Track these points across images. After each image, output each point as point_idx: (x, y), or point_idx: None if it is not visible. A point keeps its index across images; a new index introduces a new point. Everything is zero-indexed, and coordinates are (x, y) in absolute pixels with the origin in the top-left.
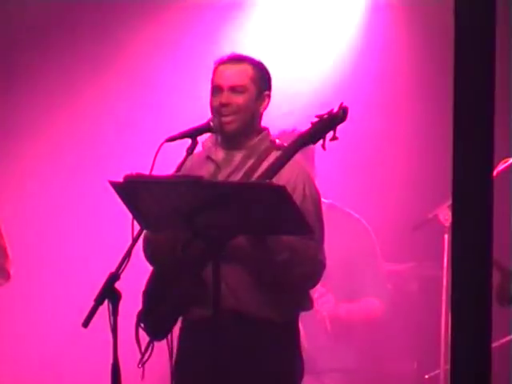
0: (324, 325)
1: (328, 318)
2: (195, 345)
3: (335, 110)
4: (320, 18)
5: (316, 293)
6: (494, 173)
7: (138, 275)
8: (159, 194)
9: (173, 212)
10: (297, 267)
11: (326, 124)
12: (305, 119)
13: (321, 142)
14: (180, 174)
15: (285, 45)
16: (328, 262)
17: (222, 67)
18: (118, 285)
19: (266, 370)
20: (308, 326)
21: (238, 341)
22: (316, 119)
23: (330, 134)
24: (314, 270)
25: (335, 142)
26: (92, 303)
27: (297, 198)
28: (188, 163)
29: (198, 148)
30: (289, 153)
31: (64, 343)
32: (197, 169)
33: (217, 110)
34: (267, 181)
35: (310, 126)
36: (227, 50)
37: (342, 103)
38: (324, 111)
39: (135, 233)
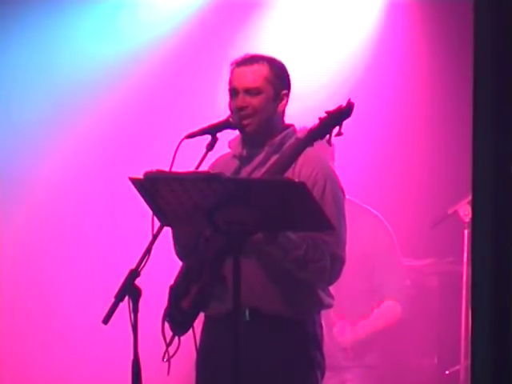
0: (344, 349)
1: (347, 345)
2: (214, 341)
3: (343, 105)
4: (337, 17)
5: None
6: None
7: (158, 271)
8: (179, 190)
9: (193, 208)
10: (312, 264)
11: (334, 119)
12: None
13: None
14: (200, 170)
15: (302, 44)
16: (346, 258)
17: (236, 69)
18: (138, 281)
19: (283, 367)
20: (326, 347)
21: (255, 336)
22: (325, 115)
23: (336, 130)
24: (331, 266)
25: (355, 138)
26: (112, 300)
27: (316, 193)
28: (216, 165)
29: (221, 146)
30: (299, 148)
31: (84, 340)
32: (222, 167)
33: (235, 113)
34: (286, 176)
35: (318, 121)
36: (244, 49)
37: (349, 99)
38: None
39: (155, 229)
